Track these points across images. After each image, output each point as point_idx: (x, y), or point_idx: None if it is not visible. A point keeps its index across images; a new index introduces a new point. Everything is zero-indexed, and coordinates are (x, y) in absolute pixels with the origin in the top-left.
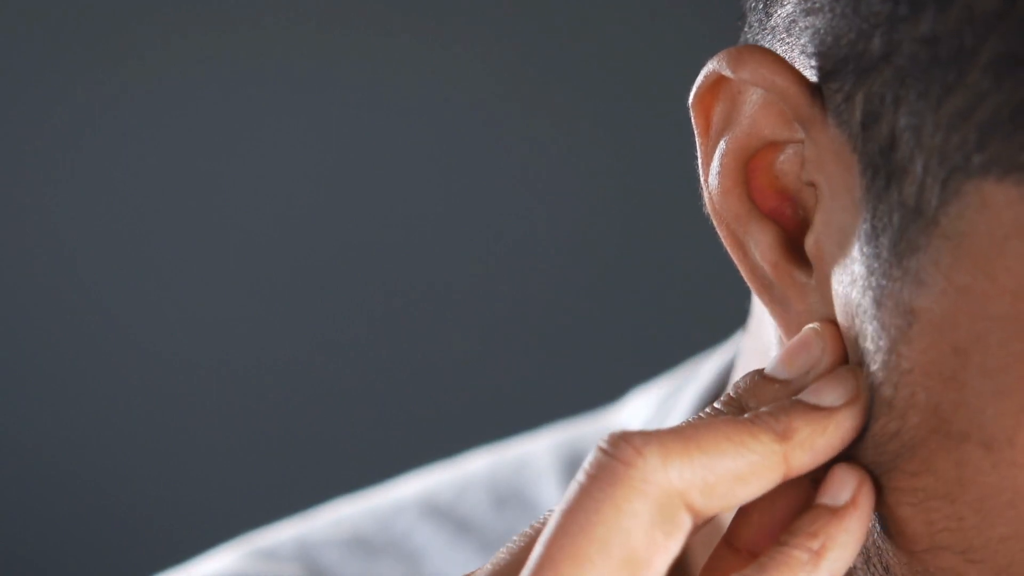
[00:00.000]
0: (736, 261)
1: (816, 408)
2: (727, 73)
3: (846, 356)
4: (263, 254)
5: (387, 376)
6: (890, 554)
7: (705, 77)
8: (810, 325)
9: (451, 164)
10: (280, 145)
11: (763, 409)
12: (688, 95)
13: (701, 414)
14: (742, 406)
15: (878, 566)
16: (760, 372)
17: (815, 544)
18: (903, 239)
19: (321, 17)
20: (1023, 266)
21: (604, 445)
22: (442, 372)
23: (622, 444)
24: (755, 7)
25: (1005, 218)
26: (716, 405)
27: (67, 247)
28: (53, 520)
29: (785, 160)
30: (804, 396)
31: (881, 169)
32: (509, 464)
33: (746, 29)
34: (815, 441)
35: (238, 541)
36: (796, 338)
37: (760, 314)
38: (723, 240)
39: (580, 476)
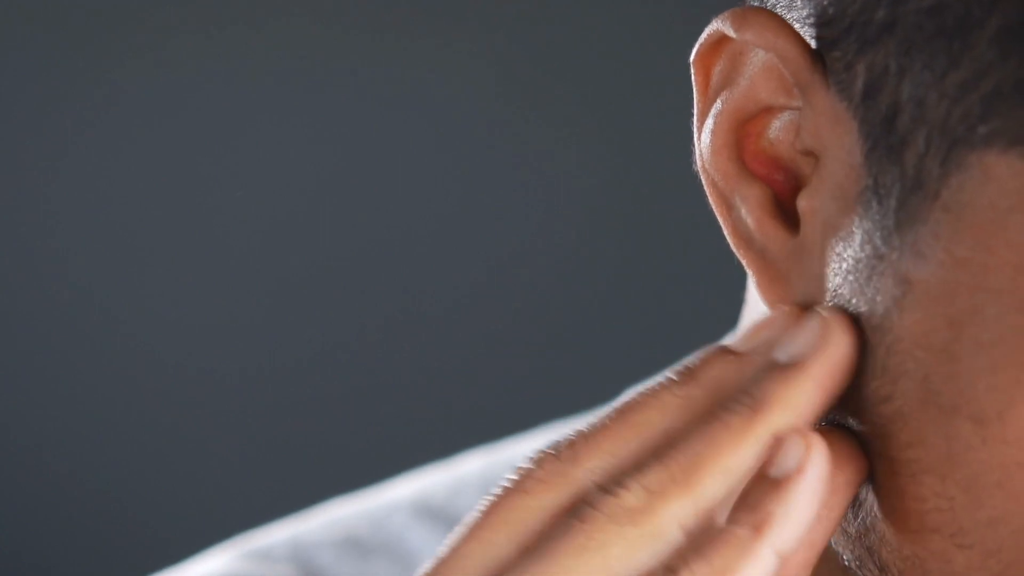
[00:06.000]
0: (719, 217)
1: (786, 368)
2: (730, 33)
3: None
4: (258, 256)
5: (381, 377)
6: (882, 537)
7: (708, 36)
8: (782, 307)
9: (447, 166)
10: (280, 147)
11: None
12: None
13: (648, 386)
14: (691, 373)
15: (867, 554)
16: (720, 345)
17: (755, 518)
18: (903, 209)
19: (322, 17)
20: None
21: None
22: (436, 373)
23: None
24: None
25: (1008, 190)
26: (668, 374)
27: (66, 249)
28: (47, 520)
29: (779, 128)
30: (775, 353)
31: (881, 139)
32: (503, 465)
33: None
34: (793, 400)
35: (232, 542)
36: (763, 316)
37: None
38: (709, 196)
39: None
